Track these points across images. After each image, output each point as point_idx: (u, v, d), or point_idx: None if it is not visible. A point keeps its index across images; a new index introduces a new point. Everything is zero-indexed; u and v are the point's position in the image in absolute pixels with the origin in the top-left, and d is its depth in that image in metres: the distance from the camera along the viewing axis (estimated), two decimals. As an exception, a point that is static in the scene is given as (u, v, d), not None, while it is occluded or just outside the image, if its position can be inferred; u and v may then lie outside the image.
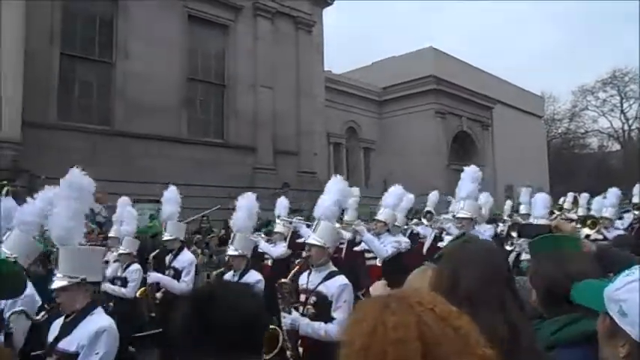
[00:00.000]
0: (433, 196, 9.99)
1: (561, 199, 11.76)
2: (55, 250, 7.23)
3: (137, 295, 5.61)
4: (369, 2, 74.78)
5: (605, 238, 6.02)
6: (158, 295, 5.53)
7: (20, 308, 2.95)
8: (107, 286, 5.72)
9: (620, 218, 8.56)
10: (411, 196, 8.26)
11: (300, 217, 7.69)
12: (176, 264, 5.55)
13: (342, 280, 3.45)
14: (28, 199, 4.01)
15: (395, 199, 7.15)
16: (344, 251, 7.14)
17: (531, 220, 6.53)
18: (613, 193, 8.04)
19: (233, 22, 15.56)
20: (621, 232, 6.76)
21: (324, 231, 3.66)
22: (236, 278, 4.36)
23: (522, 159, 29.14)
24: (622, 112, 40.94)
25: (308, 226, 6.09)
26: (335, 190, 4.03)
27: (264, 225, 8.86)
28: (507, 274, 1.59)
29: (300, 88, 17.14)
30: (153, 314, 5.63)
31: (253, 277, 4.45)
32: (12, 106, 10.49)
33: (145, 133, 13.09)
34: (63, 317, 2.73)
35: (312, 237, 3.69)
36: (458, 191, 6.08)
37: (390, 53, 28.51)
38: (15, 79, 10.59)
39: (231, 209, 5.57)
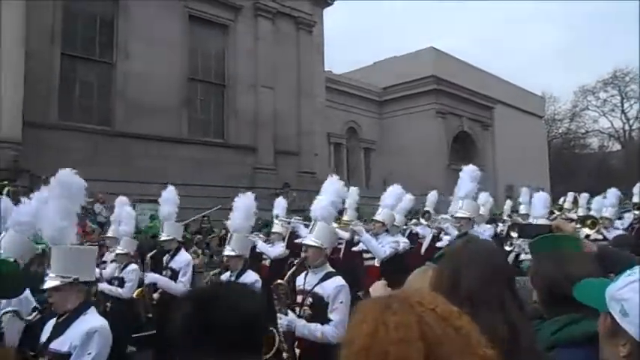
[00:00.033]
0: (432, 196, 9.98)
1: (561, 199, 11.75)
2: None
3: (134, 295, 5.58)
4: (370, 2, 74.92)
5: (604, 239, 6.01)
6: (155, 295, 5.49)
7: (12, 308, 2.92)
8: (104, 287, 5.68)
9: (620, 218, 8.54)
10: (411, 196, 8.23)
11: (299, 217, 7.66)
12: (173, 264, 5.51)
13: (338, 281, 3.42)
14: (24, 199, 3.97)
15: (393, 200, 7.11)
16: (342, 251, 7.10)
17: (530, 220, 6.51)
18: (613, 193, 8.03)
19: (233, 22, 15.56)
20: (621, 232, 6.75)
21: (321, 232, 3.63)
22: (233, 279, 4.32)
23: (523, 159, 29.14)
24: (623, 112, 41.00)
25: (306, 226, 6.07)
26: (331, 190, 4.00)
27: (264, 226, 8.86)
28: (508, 274, 1.59)
29: (301, 88, 17.14)
30: (150, 315, 5.60)
31: (250, 277, 4.41)
32: (12, 106, 10.49)
33: (146, 133, 13.10)
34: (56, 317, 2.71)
35: (308, 238, 3.65)
36: (456, 191, 6.07)
37: (391, 53, 28.55)
38: (16, 79, 10.60)
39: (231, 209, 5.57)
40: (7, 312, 2.90)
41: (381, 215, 6.66)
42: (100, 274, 6.03)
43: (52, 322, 2.70)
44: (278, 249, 7.17)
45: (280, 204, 8.40)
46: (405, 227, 8.28)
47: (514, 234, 5.67)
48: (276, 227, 7.62)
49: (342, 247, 7.12)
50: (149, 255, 6.03)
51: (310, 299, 3.42)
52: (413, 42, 75.98)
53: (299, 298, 3.53)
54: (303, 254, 3.64)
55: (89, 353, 2.47)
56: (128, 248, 5.87)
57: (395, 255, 6.17)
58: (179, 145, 13.89)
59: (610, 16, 70.98)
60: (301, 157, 16.81)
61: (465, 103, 26.49)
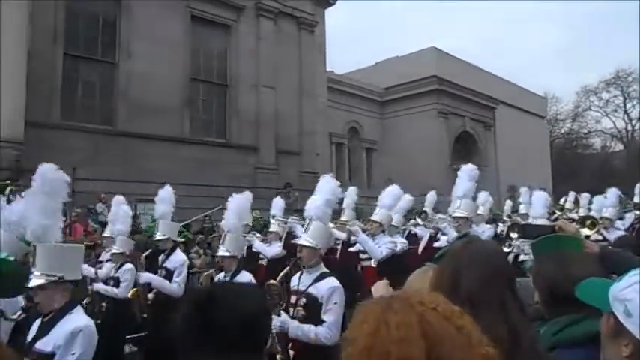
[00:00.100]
0: (431, 197, 9.94)
1: (562, 199, 11.72)
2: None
3: (129, 295, 5.52)
4: (371, 2, 74.89)
5: (604, 239, 5.98)
6: (150, 295, 5.44)
7: None
8: (100, 286, 5.66)
9: (621, 219, 8.48)
10: (410, 197, 8.17)
11: (296, 218, 7.62)
12: (168, 264, 5.45)
13: (332, 281, 3.38)
14: (18, 197, 3.96)
15: (391, 200, 7.06)
16: (339, 252, 7.08)
17: (530, 221, 6.48)
18: (613, 192, 7.91)
19: (235, 22, 15.57)
20: (621, 233, 6.72)
21: (316, 231, 3.59)
22: (227, 279, 4.27)
23: (525, 159, 29.10)
24: (625, 112, 40.89)
25: (303, 226, 6.04)
26: (326, 189, 3.95)
27: (265, 226, 8.84)
28: (508, 275, 1.58)
29: (303, 88, 17.14)
30: (145, 315, 5.54)
31: (244, 278, 4.35)
32: (15, 105, 10.50)
33: (148, 133, 13.11)
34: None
35: (303, 237, 3.62)
36: (455, 190, 6.02)
37: (392, 53, 28.52)
38: (18, 79, 10.61)
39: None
40: None
41: (378, 216, 6.62)
42: (96, 273, 6.02)
43: (39, 321, 2.66)
44: (275, 248, 7.13)
45: (278, 204, 8.37)
46: (403, 228, 8.24)
47: (514, 234, 5.64)
48: (273, 227, 7.59)
49: (339, 247, 7.09)
50: (144, 254, 6.00)
51: (304, 300, 3.38)
52: (413, 42, 76.05)
53: (293, 299, 3.49)
54: (298, 254, 3.61)
55: (73, 353, 2.43)
56: (124, 248, 5.83)
57: (392, 255, 6.13)
58: (181, 145, 13.90)
59: (610, 16, 70.99)
60: (303, 157, 16.81)
61: (466, 103, 26.46)
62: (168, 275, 5.35)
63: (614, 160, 41.71)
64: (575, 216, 8.79)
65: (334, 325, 3.22)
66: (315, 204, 3.85)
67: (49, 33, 11.79)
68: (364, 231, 6.51)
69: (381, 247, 6.12)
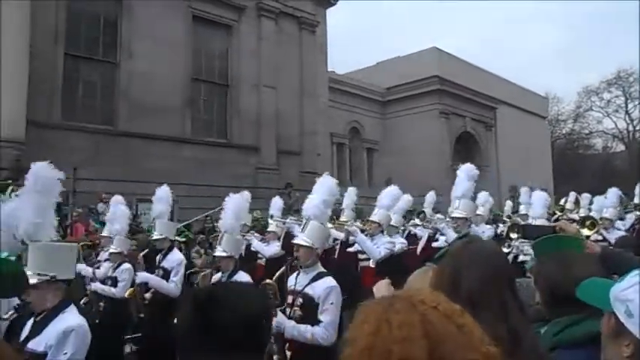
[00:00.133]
0: (430, 197, 9.91)
1: (563, 200, 11.70)
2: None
3: (126, 295, 5.48)
4: (373, 2, 74.88)
5: (604, 239, 5.96)
6: (147, 295, 5.42)
7: None
8: (97, 286, 5.62)
9: (622, 219, 8.43)
10: (409, 197, 8.13)
11: (294, 218, 7.60)
12: (165, 264, 5.41)
13: (329, 281, 3.35)
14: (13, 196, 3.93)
15: (390, 200, 7.00)
16: (337, 252, 7.06)
17: (529, 221, 6.45)
18: (613, 192, 7.82)
19: (237, 22, 15.58)
20: (622, 233, 6.69)
21: (313, 231, 3.56)
22: (224, 280, 4.24)
23: (526, 160, 29.08)
24: (627, 112, 40.84)
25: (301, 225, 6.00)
26: (323, 189, 3.89)
27: (265, 226, 8.83)
28: (509, 275, 1.58)
29: (304, 88, 17.15)
30: (141, 315, 5.52)
31: (242, 278, 4.25)
32: (16, 105, 10.52)
33: (149, 132, 13.12)
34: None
35: (300, 237, 3.59)
36: (453, 190, 5.98)
37: (393, 53, 28.53)
38: (19, 79, 10.63)
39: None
40: None
41: (376, 216, 6.58)
42: (93, 273, 5.99)
43: (32, 321, 2.63)
44: (273, 248, 7.10)
45: (276, 204, 8.35)
46: (402, 228, 8.21)
47: (514, 235, 5.61)
48: (272, 227, 7.57)
49: (338, 247, 7.08)
50: (141, 254, 5.97)
51: (300, 300, 3.35)
52: (414, 42, 76.21)
53: (290, 299, 3.46)
54: (295, 254, 3.58)
55: (65, 353, 2.40)
56: (121, 247, 5.77)
57: (390, 256, 6.11)
58: (182, 145, 13.91)
59: (610, 16, 70.96)
60: (304, 157, 16.82)
61: (468, 103, 26.45)
62: (166, 275, 5.32)
63: (615, 160, 41.67)
64: (575, 216, 8.76)
65: (331, 325, 3.20)
66: (312, 203, 3.80)
67: (50, 33, 11.80)
68: (363, 231, 6.48)
69: (379, 247, 6.10)
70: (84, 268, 6.24)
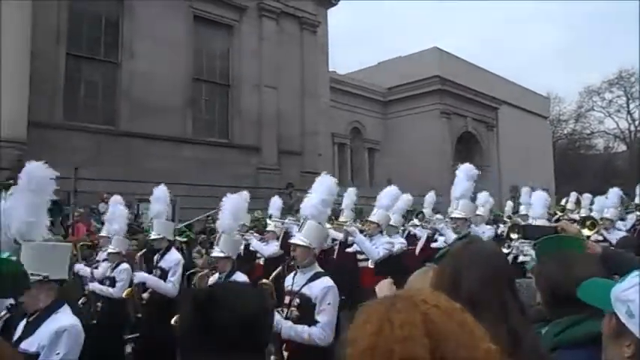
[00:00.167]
0: (429, 197, 9.86)
1: (564, 200, 11.68)
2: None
3: (123, 295, 5.44)
4: (374, 2, 74.92)
5: (605, 240, 5.94)
6: (144, 295, 5.37)
7: None
8: (95, 286, 5.59)
9: (623, 219, 8.39)
10: (409, 196, 8.09)
11: (293, 218, 7.58)
12: (163, 264, 5.37)
13: (326, 281, 3.32)
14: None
15: (389, 200, 6.97)
16: (336, 252, 7.03)
17: (529, 221, 6.42)
18: (614, 193, 7.77)
19: (238, 22, 15.59)
20: (622, 234, 6.66)
21: (310, 231, 3.53)
22: (221, 280, 4.18)
23: (528, 160, 29.05)
24: (628, 112, 40.78)
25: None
26: (322, 188, 3.84)
27: (265, 227, 8.82)
28: (509, 275, 1.58)
29: (305, 88, 17.16)
30: (139, 315, 5.48)
31: (239, 279, 4.22)
32: (18, 105, 10.54)
33: (150, 132, 13.14)
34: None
35: (297, 237, 3.57)
36: (452, 191, 5.94)
37: (395, 53, 28.50)
38: (21, 79, 10.65)
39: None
40: None
41: (375, 216, 6.55)
42: (92, 273, 5.94)
43: (25, 321, 2.60)
44: (272, 248, 7.08)
45: (275, 203, 8.33)
46: (402, 228, 8.17)
47: (514, 235, 5.58)
48: (271, 226, 7.56)
49: (336, 247, 7.05)
50: (138, 254, 5.94)
51: (298, 300, 3.32)
52: (415, 42, 76.17)
53: (287, 299, 3.43)
54: (292, 253, 3.55)
55: (57, 353, 2.37)
56: (120, 247, 5.74)
57: (389, 256, 6.08)
58: (183, 145, 13.93)
59: (610, 16, 70.90)
60: (305, 158, 16.83)
61: (469, 103, 26.43)
62: (163, 275, 5.28)
63: (617, 160, 41.59)
64: (576, 216, 8.74)
65: (328, 325, 3.18)
66: (310, 203, 3.75)
67: (51, 33, 11.82)
68: (361, 232, 6.45)
69: (377, 247, 6.07)
70: (82, 268, 6.23)
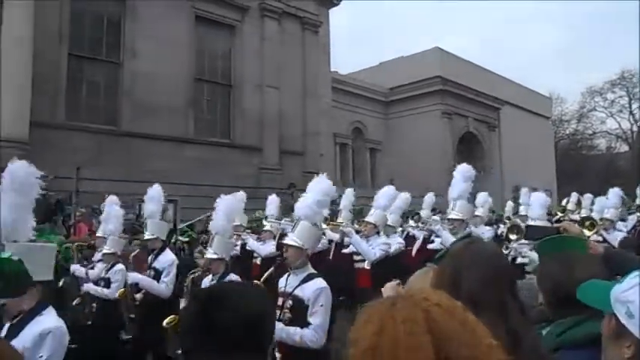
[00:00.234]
0: (428, 198, 9.81)
1: (564, 200, 11.65)
2: (60, 247, 7.19)
3: (116, 295, 5.38)
4: (375, 3, 74.89)
5: (604, 240, 5.91)
6: (138, 296, 5.33)
7: None
8: (90, 287, 5.56)
9: (623, 220, 8.34)
10: (407, 195, 8.06)
11: (288, 219, 7.56)
12: (156, 264, 5.31)
13: (319, 283, 3.27)
14: None
15: (387, 200, 6.90)
16: (332, 253, 7.02)
17: (529, 222, 6.40)
18: (615, 193, 7.69)
19: (240, 22, 15.61)
20: (622, 234, 6.62)
21: (303, 231, 3.49)
22: (214, 282, 4.11)
23: (529, 160, 29.02)
24: (630, 112, 40.72)
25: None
26: (317, 189, 3.79)
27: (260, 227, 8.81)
28: (509, 276, 1.58)
29: (307, 88, 17.16)
30: (132, 315, 5.44)
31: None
32: (20, 106, 10.56)
33: (152, 133, 13.16)
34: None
35: (289, 237, 3.52)
36: (449, 192, 5.92)
37: (397, 54, 28.53)
38: (23, 80, 10.67)
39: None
40: None
41: (372, 217, 6.49)
42: (86, 274, 5.92)
43: (9, 323, 2.54)
44: (269, 247, 7.05)
45: (273, 202, 8.31)
46: (401, 229, 8.13)
47: (512, 236, 5.55)
48: (267, 226, 7.56)
49: (332, 248, 7.03)
50: (132, 254, 5.91)
51: (290, 302, 3.28)
52: (416, 42, 76.07)
53: (280, 301, 3.38)
54: (284, 254, 3.52)
55: (41, 356, 2.33)
56: (115, 248, 5.68)
57: (386, 257, 6.05)
58: (185, 145, 13.95)
59: (610, 16, 70.82)
60: (307, 158, 16.84)
61: (470, 103, 26.41)
62: (157, 276, 5.22)
63: (619, 160, 41.52)
64: (576, 217, 8.70)
65: (320, 327, 3.14)
66: (304, 203, 3.70)
67: (53, 33, 11.84)
68: (358, 232, 6.42)
69: (374, 248, 6.03)
70: (78, 269, 6.21)
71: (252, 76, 15.58)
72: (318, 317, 3.15)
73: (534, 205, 6.55)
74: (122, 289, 5.39)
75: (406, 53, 27.25)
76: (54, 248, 3.12)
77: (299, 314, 3.20)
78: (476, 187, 6.69)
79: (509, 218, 9.70)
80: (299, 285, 3.30)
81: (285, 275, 3.52)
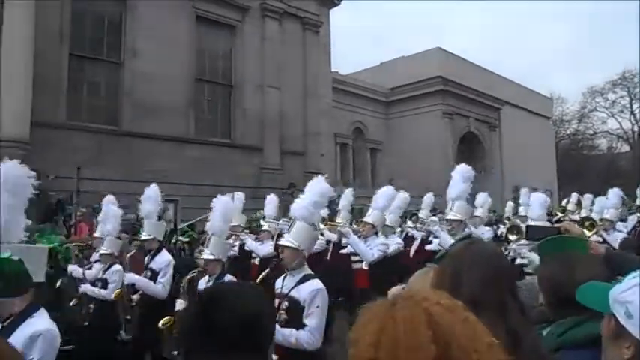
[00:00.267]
0: (428, 199, 9.79)
1: (564, 201, 11.63)
2: (60, 247, 7.19)
3: (112, 296, 5.35)
4: (376, 3, 74.89)
5: (604, 241, 5.89)
6: (134, 297, 5.32)
7: None
8: (87, 288, 5.54)
9: (624, 220, 8.31)
10: (406, 194, 8.05)
11: (286, 219, 7.55)
12: (153, 265, 5.27)
13: (315, 284, 3.24)
14: None
15: (385, 201, 6.85)
16: (330, 253, 7.00)
17: (528, 222, 6.38)
18: (615, 193, 7.64)
19: (240, 22, 15.61)
20: (622, 235, 6.59)
21: (299, 232, 3.46)
22: (210, 283, 4.10)
23: (530, 160, 29.00)
24: (632, 113, 40.68)
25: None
26: (314, 190, 3.77)
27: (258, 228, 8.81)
28: (510, 276, 1.58)
29: (307, 88, 17.17)
30: (128, 316, 5.42)
31: None
32: (21, 106, 10.58)
33: (153, 133, 13.17)
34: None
35: (285, 238, 3.50)
36: (448, 192, 5.89)
37: (398, 54, 28.53)
38: (24, 80, 10.68)
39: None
40: None
41: (370, 217, 6.47)
42: (84, 274, 5.91)
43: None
44: (267, 247, 7.03)
45: (271, 202, 8.30)
46: (400, 229, 8.11)
47: (512, 237, 5.54)
48: (265, 226, 7.56)
49: (330, 249, 7.01)
50: (128, 254, 5.89)
51: (286, 303, 3.25)
52: (417, 42, 75.96)
53: (276, 302, 3.36)
54: (280, 255, 3.50)
55: (31, 358, 2.31)
56: (112, 248, 5.65)
57: (383, 258, 6.03)
58: (186, 145, 13.95)
59: (611, 17, 70.75)
60: (307, 158, 16.84)
61: (471, 103, 26.40)
62: (154, 276, 5.20)
63: (620, 161, 41.48)
64: (576, 217, 8.69)
65: (316, 329, 3.10)
66: (301, 204, 3.68)
67: (54, 33, 11.85)
68: (356, 233, 6.39)
69: (372, 249, 6.01)
70: (75, 269, 6.20)
71: (253, 76, 15.59)
72: (313, 318, 3.12)
73: (534, 206, 6.53)
74: (118, 290, 5.37)
75: (407, 53, 27.27)
76: (45, 250, 3.09)
77: (295, 315, 3.17)
78: (476, 187, 6.67)
79: (508, 219, 9.69)
80: (295, 286, 3.28)
81: (282, 276, 3.49)
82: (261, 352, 1.38)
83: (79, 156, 11.06)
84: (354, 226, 7.13)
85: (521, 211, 9.26)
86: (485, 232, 6.62)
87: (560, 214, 9.89)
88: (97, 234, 6.41)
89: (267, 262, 6.36)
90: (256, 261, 7.15)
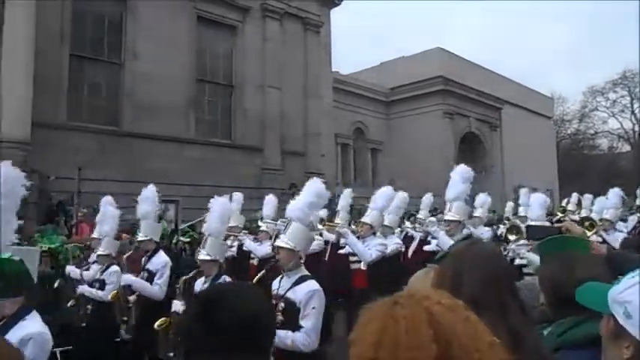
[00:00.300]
0: (427, 199, 9.76)
1: (564, 201, 11.61)
2: (61, 247, 7.18)
3: (109, 297, 5.32)
4: (377, 3, 74.86)
5: (604, 241, 5.87)
6: (131, 298, 5.27)
7: None
8: (84, 289, 5.52)
9: (624, 220, 8.28)
10: (405, 194, 8.03)
11: (284, 219, 7.53)
12: (150, 266, 5.24)
13: (311, 285, 3.22)
14: None
15: (384, 201, 6.81)
16: (327, 254, 6.98)
17: (528, 223, 6.37)
18: (615, 193, 7.58)
19: (241, 22, 15.61)
20: (622, 235, 6.57)
21: (295, 233, 3.44)
22: (207, 284, 4.06)
23: (531, 160, 28.96)
24: (632, 112, 40.65)
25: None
26: (311, 191, 3.76)
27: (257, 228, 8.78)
28: (510, 277, 1.58)
29: (308, 88, 17.17)
30: (125, 318, 5.37)
31: None
32: (22, 106, 10.58)
33: (153, 133, 13.17)
34: None
35: (281, 239, 3.48)
36: (446, 193, 5.88)
37: (398, 54, 28.50)
38: (25, 80, 10.68)
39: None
40: None
41: (368, 217, 6.43)
42: (81, 275, 5.90)
43: None
44: (265, 248, 6.99)
45: (270, 202, 8.28)
46: (399, 229, 8.09)
47: (512, 237, 5.52)
48: (264, 226, 7.53)
49: (328, 249, 6.99)
50: (125, 255, 5.87)
51: (282, 304, 3.23)
52: (418, 42, 75.85)
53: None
54: (276, 256, 3.48)
55: None
56: (109, 249, 5.62)
57: (382, 258, 6.01)
58: (186, 146, 13.95)
59: (612, 16, 70.70)
60: (308, 158, 16.83)
61: (472, 103, 26.39)
62: (150, 277, 5.17)
63: (621, 160, 41.44)
64: (576, 217, 8.67)
65: (312, 331, 3.08)
66: (296, 205, 3.67)
67: (55, 34, 11.86)
68: (354, 233, 6.36)
69: (370, 249, 5.98)
70: (73, 270, 6.19)
71: (254, 76, 15.59)
72: (309, 320, 3.09)
73: (534, 206, 6.52)
74: (114, 291, 5.34)
75: (407, 53, 27.28)
76: (36, 252, 3.06)
77: (291, 317, 3.14)
78: (477, 187, 6.66)
79: (508, 219, 9.68)
80: (291, 287, 3.26)
81: (279, 277, 3.47)
82: (262, 353, 1.38)
83: (80, 156, 11.06)
84: (353, 227, 7.11)
85: (521, 211, 9.24)
86: (485, 233, 6.61)
87: (560, 214, 9.88)
88: (95, 234, 6.37)
89: (266, 263, 6.40)
90: (255, 261, 7.13)
